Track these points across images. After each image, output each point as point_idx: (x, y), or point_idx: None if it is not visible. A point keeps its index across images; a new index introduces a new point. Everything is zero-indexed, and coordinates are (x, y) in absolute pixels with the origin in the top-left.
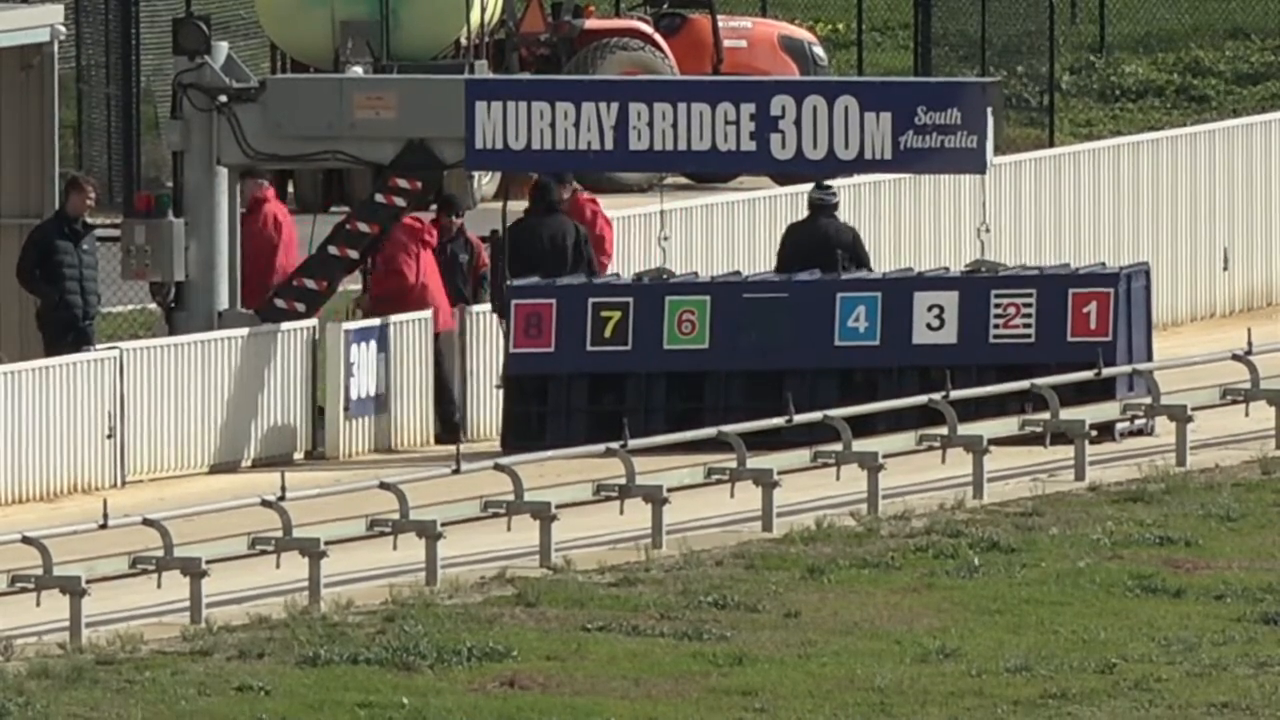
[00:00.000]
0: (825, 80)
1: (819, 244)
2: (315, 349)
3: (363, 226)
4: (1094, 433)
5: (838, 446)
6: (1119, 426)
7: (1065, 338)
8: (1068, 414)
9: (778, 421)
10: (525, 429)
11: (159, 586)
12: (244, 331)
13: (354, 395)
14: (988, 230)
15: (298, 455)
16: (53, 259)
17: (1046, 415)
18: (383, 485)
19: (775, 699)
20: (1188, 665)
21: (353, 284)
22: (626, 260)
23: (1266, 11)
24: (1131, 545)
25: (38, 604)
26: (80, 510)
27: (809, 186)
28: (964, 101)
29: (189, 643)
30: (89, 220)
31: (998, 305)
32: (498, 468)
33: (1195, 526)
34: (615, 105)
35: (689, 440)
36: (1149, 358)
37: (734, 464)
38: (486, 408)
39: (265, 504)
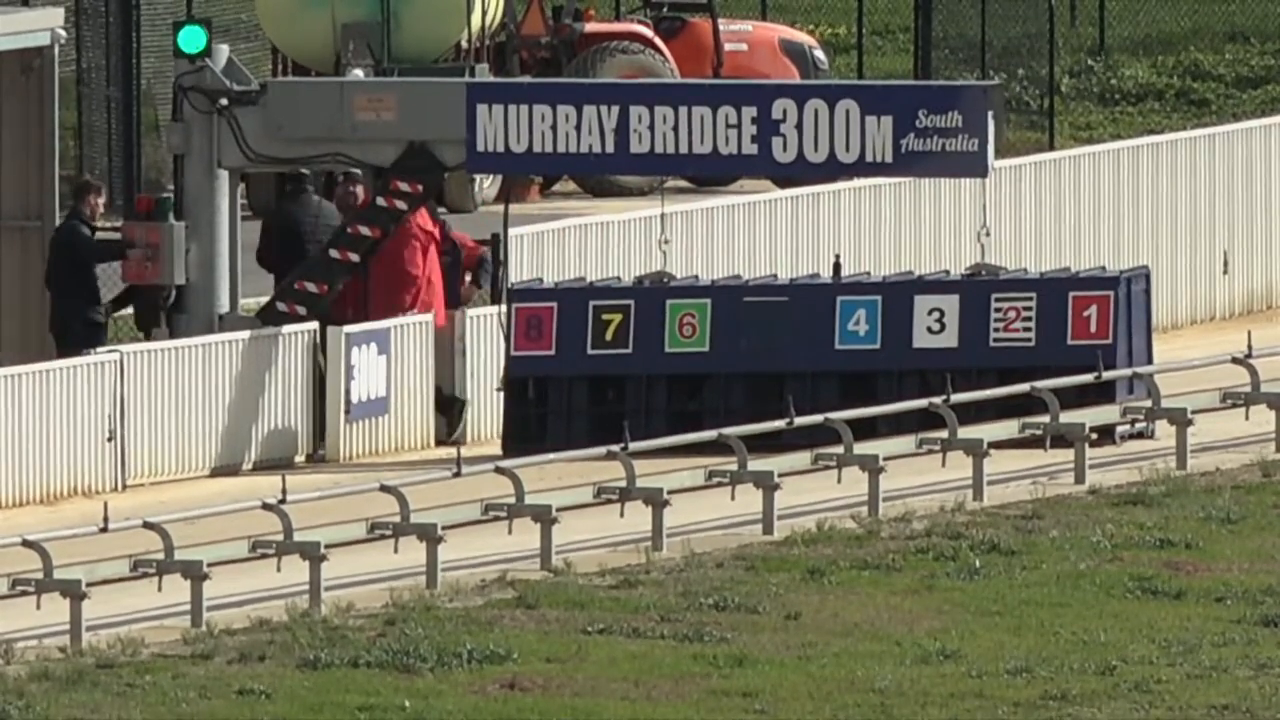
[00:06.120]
0: (826, 84)
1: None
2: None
3: (363, 230)
4: (1094, 436)
5: (839, 449)
6: (1119, 430)
7: (1065, 341)
8: (1068, 417)
9: (778, 424)
10: (526, 432)
11: (159, 590)
12: (245, 335)
13: (355, 398)
14: (988, 234)
15: (298, 458)
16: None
17: (1046, 418)
18: (383, 488)
19: (776, 700)
20: (1188, 667)
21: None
22: (627, 264)
23: (1266, 15)
24: (1132, 548)
25: (38, 607)
26: (81, 513)
27: (809, 189)
28: (965, 105)
29: (189, 646)
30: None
31: (998, 309)
32: (498, 470)
33: (1195, 529)
34: (616, 108)
35: (690, 443)
36: (1149, 361)
37: (735, 466)
38: (487, 411)
39: (266, 507)
